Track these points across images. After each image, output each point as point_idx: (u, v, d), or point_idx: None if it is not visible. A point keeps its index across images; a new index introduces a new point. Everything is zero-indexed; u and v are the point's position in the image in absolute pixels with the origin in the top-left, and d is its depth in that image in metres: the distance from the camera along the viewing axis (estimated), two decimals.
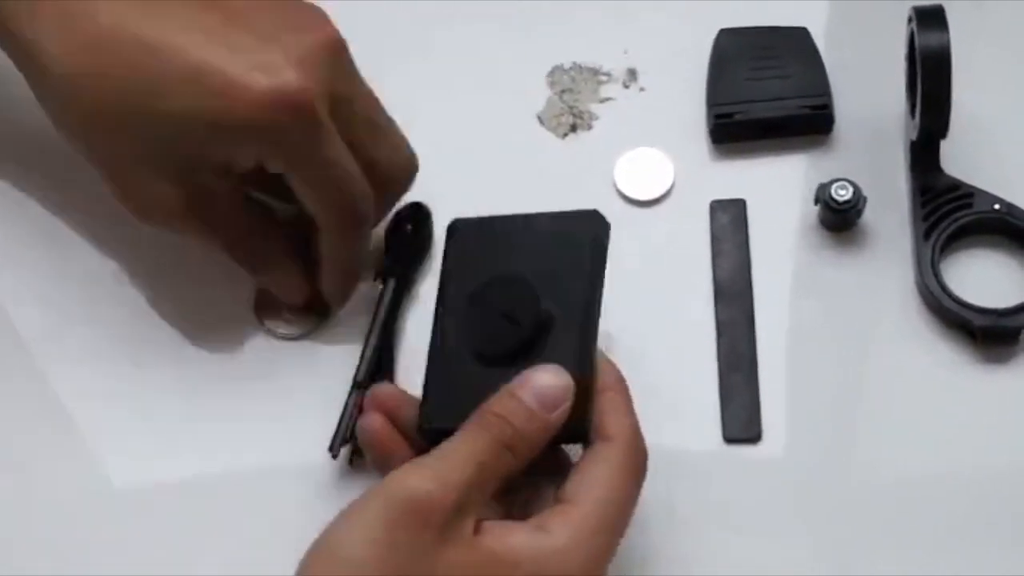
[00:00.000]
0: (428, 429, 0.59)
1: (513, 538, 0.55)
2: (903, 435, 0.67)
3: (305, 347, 0.69)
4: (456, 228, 0.62)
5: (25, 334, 0.70)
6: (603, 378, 0.59)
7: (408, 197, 0.69)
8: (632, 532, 0.64)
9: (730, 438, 0.67)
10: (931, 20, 0.67)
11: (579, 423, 0.58)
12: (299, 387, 0.68)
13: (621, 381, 0.60)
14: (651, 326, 0.69)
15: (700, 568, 0.65)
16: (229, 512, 0.66)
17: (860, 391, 0.68)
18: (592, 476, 0.57)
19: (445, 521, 0.54)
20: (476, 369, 0.59)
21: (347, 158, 0.63)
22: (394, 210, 0.70)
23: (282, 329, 0.69)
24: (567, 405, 0.57)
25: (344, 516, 0.54)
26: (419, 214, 0.70)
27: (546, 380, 0.57)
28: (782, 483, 0.66)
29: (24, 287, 0.71)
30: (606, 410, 0.59)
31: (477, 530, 0.55)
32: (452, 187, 0.70)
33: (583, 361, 0.58)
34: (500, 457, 0.56)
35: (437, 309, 0.61)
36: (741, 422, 0.67)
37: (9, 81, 0.65)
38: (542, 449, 0.57)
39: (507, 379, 0.57)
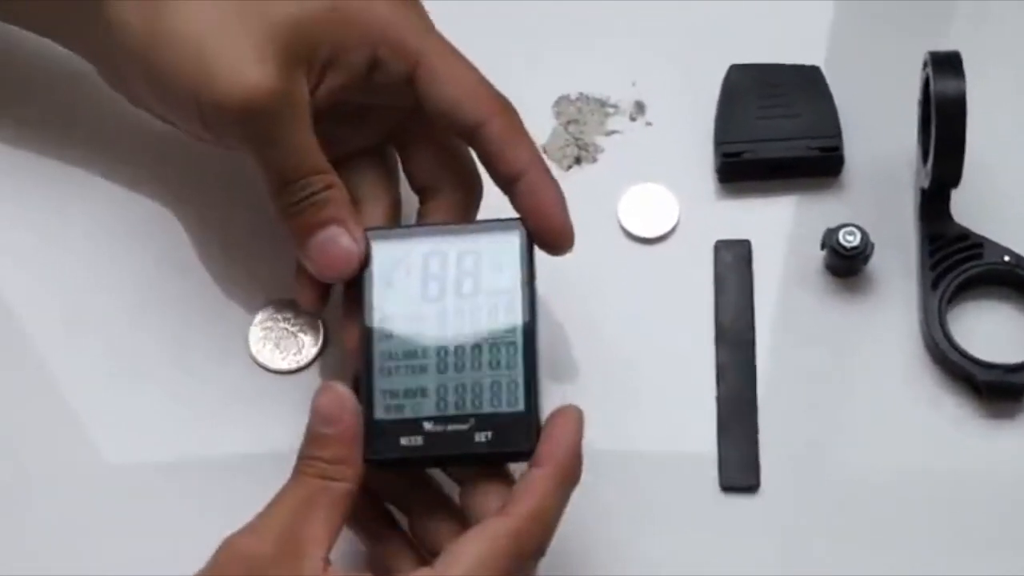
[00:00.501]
0: (373, 461, 0.58)
1: None
2: (905, 488, 0.66)
3: (297, 377, 0.68)
4: (374, 237, 0.61)
5: (19, 310, 0.69)
6: (548, 452, 0.56)
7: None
8: None
9: (727, 486, 0.66)
10: (948, 67, 0.65)
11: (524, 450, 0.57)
12: (285, 412, 0.67)
13: (561, 464, 0.56)
14: (649, 366, 0.68)
15: None
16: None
17: (861, 441, 0.67)
18: (465, 546, 0.55)
19: (274, 562, 0.54)
20: None
21: None
22: None
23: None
24: (347, 416, 0.57)
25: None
26: None
27: (322, 401, 0.57)
28: (780, 534, 0.65)
29: (20, 263, 0.70)
30: (524, 486, 0.56)
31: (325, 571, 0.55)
32: None
33: (529, 400, 0.58)
34: (307, 484, 0.56)
35: (362, 332, 0.60)
36: (739, 470, 0.66)
37: None
38: (357, 459, 0.57)
39: None
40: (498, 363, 0.58)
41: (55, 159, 0.71)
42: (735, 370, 0.68)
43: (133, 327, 0.69)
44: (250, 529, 0.55)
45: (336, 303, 0.63)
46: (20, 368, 0.69)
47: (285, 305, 0.68)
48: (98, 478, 0.67)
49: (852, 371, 0.68)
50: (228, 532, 0.55)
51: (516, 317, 0.59)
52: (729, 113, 0.72)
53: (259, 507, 0.56)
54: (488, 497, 0.57)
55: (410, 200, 0.66)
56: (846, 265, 0.69)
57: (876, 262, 0.69)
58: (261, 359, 0.68)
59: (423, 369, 0.58)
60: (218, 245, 0.70)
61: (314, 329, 0.68)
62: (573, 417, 0.57)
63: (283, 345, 0.68)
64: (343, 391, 0.57)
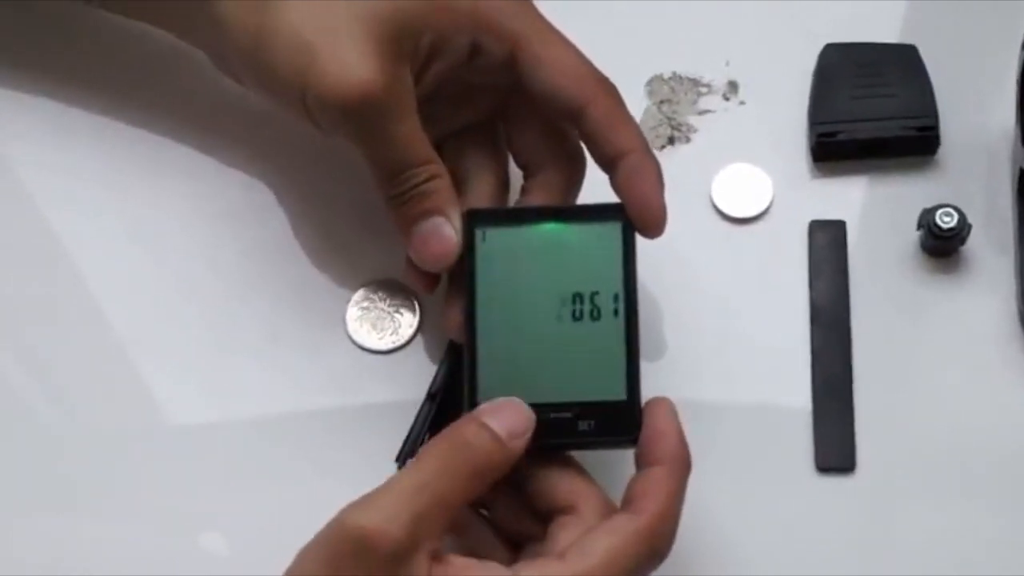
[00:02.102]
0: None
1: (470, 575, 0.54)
2: (1001, 468, 0.66)
3: (394, 356, 0.68)
4: (480, 222, 0.61)
5: (118, 292, 0.70)
6: (661, 448, 0.57)
7: None
8: (719, 562, 0.64)
9: (823, 467, 0.66)
10: None
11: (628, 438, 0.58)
12: (382, 392, 0.68)
13: (677, 459, 0.57)
14: (744, 348, 0.68)
15: None
16: (280, 495, 0.66)
17: (958, 424, 0.66)
18: (596, 543, 0.55)
19: (391, 556, 0.52)
20: None
21: None
22: None
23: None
24: (528, 436, 0.56)
25: (298, 553, 0.54)
26: None
27: (512, 410, 0.57)
28: (875, 515, 0.65)
29: (120, 245, 0.71)
30: (648, 485, 0.56)
31: (440, 561, 0.54)
32: None
33: (631, 385, 0.58)
34: (461, 483, 0.55)
35: (467, 318, 0.60)
36: (835, 451, 0.66)
37: None
38: (502, 477, 0.56)
39: None
40: (600, 351, 0.59)
41: (154, 139, 0.72)
42: (830, 351, 0.67)
43: (230, 308, 0.69)
44: (376, 508, 0.53)
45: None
46: (113, 348, 0.69)
47: (382, 285, 0.69)
48: (195, 453, 0.67)
49: (948, 353, 0.68)
50: (328, 517, 0.54)
51: (618, 306, 0.59)
52: (824, 93, 0.71)
53: (359, 490, 0.55)
54: (560, 485, 0.58)
55: (516, 175, 0.66)
56: (943, 246, 0.68)
57: (973, 242, 0.68)
58: (358, 339, 0.68)
59: (526, 356, 0.59)
60: (316, 225, 0.70)
61: (411, 309, 0.69)
62: (670, 409, 0.58)
63: (380, 325, 0.69)
64: (532, 414, 0.57)
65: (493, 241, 0.60)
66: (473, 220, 0.61)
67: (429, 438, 0.63)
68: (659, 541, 0.56)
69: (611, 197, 0.61)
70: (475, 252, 0.60)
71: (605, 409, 0.58)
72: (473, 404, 0.58)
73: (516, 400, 0.57)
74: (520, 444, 0.56)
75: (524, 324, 0.59)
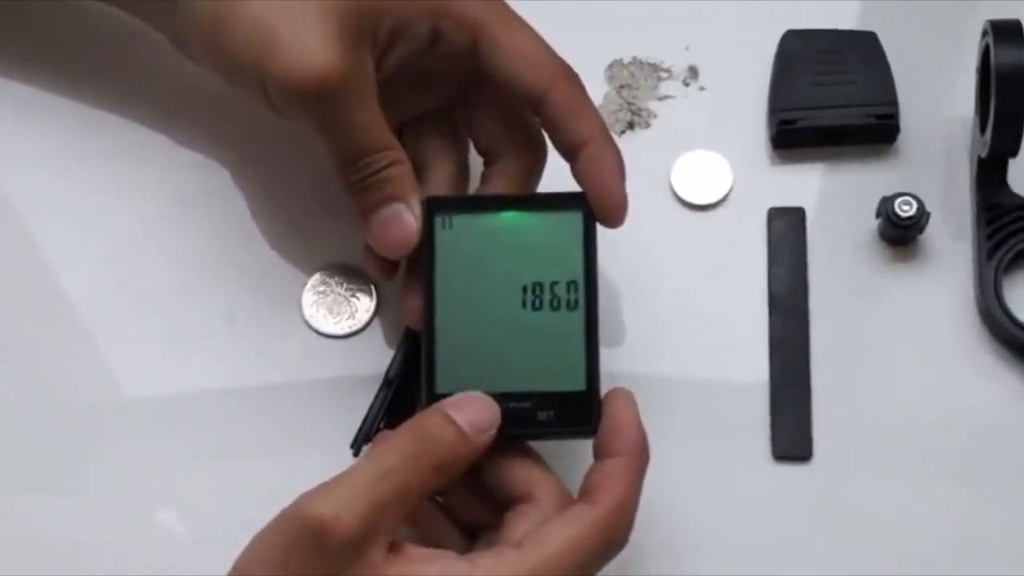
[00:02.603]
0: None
1: (427, 567, 0.54)
2: (958, 460, 0.66)
3: (350, 341, 0.68)
4: (439, 209, 0.60)
5: (72, 270, 0.69)
6: (620, 440, 0.57)
7: None
8: (675, 549, 0.64)
9: (780, 455, 0.66)
10: (1008, 36, 0.65)
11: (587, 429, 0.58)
12: (338, 377, 0.67)
13: (636, 450, 0.57)
14: (702, 336, 0.68)
15: None
16: (233, 478, 0.66)
17: (915, 413, 0.67)
18: (553, 533, 0.55)
19: (346, 546, 0.52)
20: None
21: None
22: None
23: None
24: (493, 432, 0.56)
25: (252, 539, 0.53)
26: None
27: (479, 405, 0.56)
28: (832, 504, 0.65)
29: (74, 225, 0.70)
30: (606, 476, 0.56)
31: (397, 552, 0.53)
32: None
33: (591, 376, 0.58)
34: (422, 475, 0.54)
35: (425, 306, 0.59)
36: (792, 439, 0.66)
37: None
38: (463, 471, 0.56)
39: None
40: (559, 341, 0.58)
41: (111, 120, 0.71)
42: (789, 339, 0.67)
43: (184, 290, 0.69)
44: (333, 497, 0.53)
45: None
46: (71, 329, 0.69)
47: (338, 269, 0.68)
48: (145, 440, 0.67)
49: (906, 342, 0.68)
50: (281, 499, 0.54)
51: (578, 296, 0.59)
52: (784, 79, 0.71)
53: (313, 474, 0.55)
54: (517, 474, 0.57)
55: (476, 163, 0.66)
56: (901, 234, 0.68)
57: (931, 231, 0.68)
58: (314, 323, 0.68)
59: (485, 346, 0.58)
60: (272, 209, 0.70)
61: (367, 294, 0.68)
62: (630, 400, 0.58)
63: (336, 310, 0.68)
64: (497, 410, 0.57)
65: (453, 229, 0.60)
66: (433, 207, 0.60)
67: (385, 425, 0.63)
68: (616, 532, 0.55)
69: (572, 186, 0.61)
70: (434, 240, 0.60)
71: (564, 399, 0.58)
72: (431, 393, 0.58)
73: (482, 395, 0.57)
74: (484, 439, 0.56)
75: (483, 313, 0.59)
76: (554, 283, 0.59)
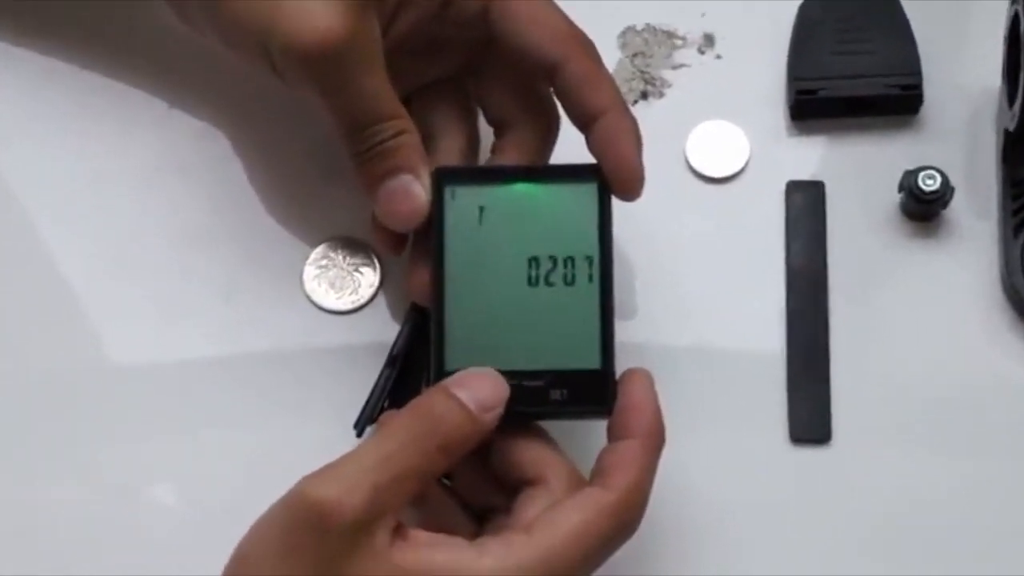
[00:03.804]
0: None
1: (433, 553, 0.52)
2: (980, 441, 0.64)
3: (352, 317, 0.66)
4: (449, 180, 0.58)
5: (69, 242, 0.68)
6: (636, 421, 0.55)
7: None
8: (689, 532, 0.62)
9: (797, 438, 0.64)
10: None
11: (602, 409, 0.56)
12: (340, 354, 0.66)
13: (652, 433, 0.55)
14: (717, 312, 0.66)
15: (761, 569, 0.62)
16: (230, 457, 0.64)
17: (937, 393, 0.65)
18: (564, 517, 0.53)
19: (349, 530, 0.50)
20: None
21: None
22: None
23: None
24: (500, 410, 0.54)
25: (255, 522, 0.52)
26: None
27: (485, 382, 0.54)
28: (851, 487, 0.63)
29: (72, 196, 0.69)
30: (620, 458, 0.54)
31: (403, 537, 0.52)
32: None
33: (606, 354, 0.56)
34: (427, 456, 0.53)
35: (435, 281, 0.57)
36: (809, 422, 0.64)
37: None
38: (470, 451, 0.54)
39: None
40: (574, 317, 0.56)
41: (112, 86, 0.69)
42: (806, 317, 0.65)
43: (183, 263, 0.67)
44: (335, 479, 0.51)
45: None
46: (66, 301, 0.67)
47: (342, 242, 0.66)
48: (138, 414, 0.65)
49: (928, 319, 0.66)
50: (283, 481, 0.52)
51: (593, 271, 0.57)
52: (803, 48, 0.69)
53: (313, 453, 0.53)
54: (528, 456, 0.56)
55: (487, 133, 0.64)
56: (924, 209, 0.66)
57: (955, 206, 0.66)
58: (316, 298, 0.66)
59: (497, 322, 0.57)
60: (273, 178, 0.68)
61: (371, 268, 0.66)
62: (647, 380, 0.56)
63: (339, 284, 0.66)
64: (506, 387, 0.55)
65: (463, 201, 0.58)
66: (442, 178, 0.58)
67: (389, 405, 0.61)
68: (629, 517, 0.54)
69: (586, 158, 0.59)
70: (444, 212, 0.58)
71: (578, 378, 0.56)
72: (440, 371, 0.56)
73: (490, 370, 0.55)
74: (492, 417, 0.54)
75: (494, 288, 0.57)
76: (568, 257, 0.57)
